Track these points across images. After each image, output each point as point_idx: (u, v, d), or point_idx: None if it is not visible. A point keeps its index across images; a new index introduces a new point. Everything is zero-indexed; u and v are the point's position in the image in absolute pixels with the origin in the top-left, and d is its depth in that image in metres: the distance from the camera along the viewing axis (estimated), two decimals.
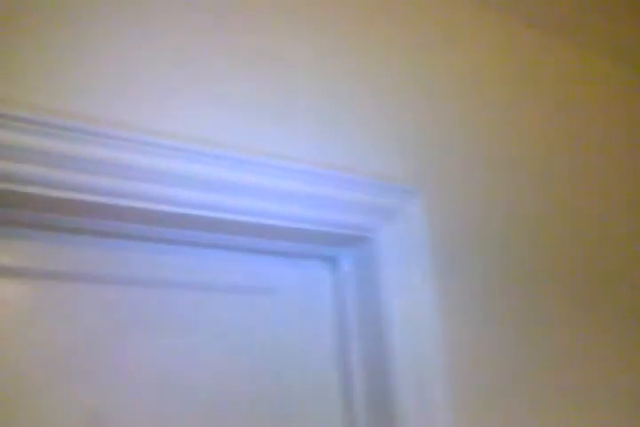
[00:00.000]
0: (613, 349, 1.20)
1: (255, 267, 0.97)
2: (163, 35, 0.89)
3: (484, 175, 1.16)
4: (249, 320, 0.93)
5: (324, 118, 0.99)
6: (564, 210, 1.26)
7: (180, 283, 0.89)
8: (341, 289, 1.01)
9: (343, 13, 1.09)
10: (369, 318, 0.97)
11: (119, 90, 0.82)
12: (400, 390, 0.90)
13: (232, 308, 0.92)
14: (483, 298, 1.06)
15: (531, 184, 1.23)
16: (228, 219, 0.86)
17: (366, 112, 1.05)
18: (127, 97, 0.83)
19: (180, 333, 0.86)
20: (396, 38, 1.14)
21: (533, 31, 1.39)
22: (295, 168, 0.90)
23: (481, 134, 1.19)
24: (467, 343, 1.01)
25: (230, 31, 0.95)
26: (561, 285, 1.18)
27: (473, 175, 1.14)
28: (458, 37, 1.25)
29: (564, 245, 1.23)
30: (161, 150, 0.80)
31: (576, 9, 1.36)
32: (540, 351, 1.09)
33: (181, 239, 0.89)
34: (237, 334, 0.91)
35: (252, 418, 0.88)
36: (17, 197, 0.73)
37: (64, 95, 0.78)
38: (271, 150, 0.92)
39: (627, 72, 1.57)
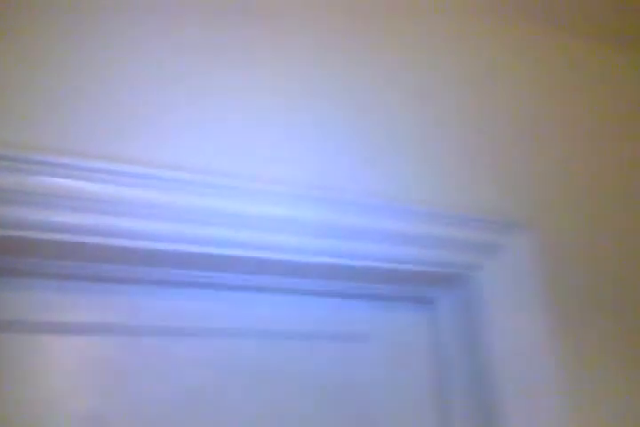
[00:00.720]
0: None
1: (348, 313, 0.92)
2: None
3: (591, 205, 1.09)
4: (344, 369, 0.88)
5: (421, 155, 0.96)
6: None
7: (271, 333, 0.86)
8: (440, 332, 0.95)
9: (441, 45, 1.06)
10: (473, 363, 0.90)
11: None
12: None
13: (327, 356, 0.88)
14: (602, 335, 0.98)
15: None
16: (318, 262, 0.82)
17: (465, 145, 1.01)
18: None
19: (275, 383, 0.83)
20: (498, 67, 1.10)
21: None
22: (389, 206, 0.86)
23: (585, 163, 1.13)
24: (589, 390, 0.93)
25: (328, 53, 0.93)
26: None
27: (580, 206, 1.07)
28: (544, 62, 1.19)
29: None
30: (245, 195, 0.77)
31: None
32: None
33: (271, 286, 0.86)
34: (333, 383, 0.87)
35: None
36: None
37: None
38: (364, 189, 0.88)
39: None
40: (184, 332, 0.81)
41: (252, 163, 0.83)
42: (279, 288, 0.87)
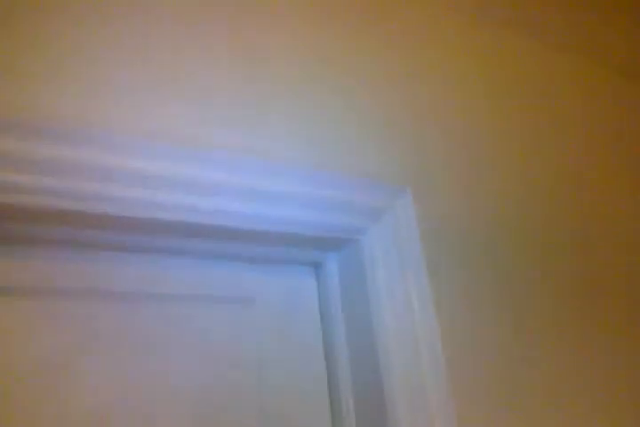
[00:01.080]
0: (603, 344, 1.16)
1: (234, 275, 0.91)
2: (136, 34, 0.85)
3: (470, 172, 1.13)
4: (230, 332, 0.87)
5: (304, 117, 0.96)
6: (547, 204, 1.23)
7: (151, 295, 0.83)
8: (328, 295, 0.95)
9: (325, 14, 1.07)
10: (358, 324, 0.90)
11: (97, 92, 0.79)
12: (394, 400, 0.84)
13: (211, 320, 0.86)
14: (477, 297, 1.01)
15: (514, 180, 1.20)
16: (201, 222, 0.79)
17: (348, 110, 1.01)
18: (104, 99, 0.79)
19: (155, 348, 0.81)
20: (382, 40, 1.12)
21: (517, 37, 1.39)
22: (274, 167, 0.85)
23: (465, 132, 1.17)
24: (464, 346, 0.95)
25: (208, 30, 0.92)
26: (551, 280, 1.14)
27: (459, 173, 1.11)
28: (444, 43, 1.23)
29: (552, 240, 1.19)
30: (128, 150, 0.74)
31: (565, 16, 1.37)
32: (534, 351, 1.04)
33: (150, 247, 0.84)
34: (218, 347, 0.85)
35: None
36: None
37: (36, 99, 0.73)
38: (248, 149, 0.87)
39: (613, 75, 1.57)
40: (58, 292, 0.78)
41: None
42: (161, 249, 0.85)
